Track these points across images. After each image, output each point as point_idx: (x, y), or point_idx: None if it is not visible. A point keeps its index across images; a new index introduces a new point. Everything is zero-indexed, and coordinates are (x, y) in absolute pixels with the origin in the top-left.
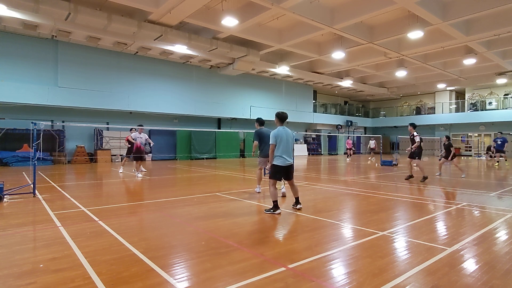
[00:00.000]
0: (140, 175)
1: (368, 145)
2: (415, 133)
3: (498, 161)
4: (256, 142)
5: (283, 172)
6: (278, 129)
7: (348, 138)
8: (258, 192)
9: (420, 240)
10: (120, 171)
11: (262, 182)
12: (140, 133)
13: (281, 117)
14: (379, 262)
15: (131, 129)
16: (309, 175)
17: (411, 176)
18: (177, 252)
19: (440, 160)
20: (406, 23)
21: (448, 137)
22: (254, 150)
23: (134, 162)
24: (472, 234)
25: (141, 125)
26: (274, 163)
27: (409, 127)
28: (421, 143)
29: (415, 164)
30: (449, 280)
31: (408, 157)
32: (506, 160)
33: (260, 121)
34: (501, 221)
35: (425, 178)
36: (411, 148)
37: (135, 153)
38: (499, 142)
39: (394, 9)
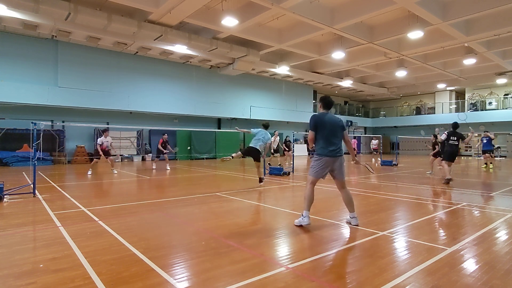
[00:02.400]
0: (115, 171)
1: (371, 145)
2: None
3: (486, 163)
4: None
5: None
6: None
7: (354, 138)
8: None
9: (420, 240)
10: (154, 167)
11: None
12: (106, 137)
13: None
14: (379, 262)
15: (163, 134)
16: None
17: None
18: (177, 252)
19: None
20: (406, 23)
21: (435, 135)
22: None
23: (94, 161)
24: (472, 234)
25: (107, 129)
26: None
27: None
28: (446, 142)
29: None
30: (449, 280)
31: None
32: (487, 163)
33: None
34: (501, 221)
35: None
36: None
37: (103, 153)
38: (485, 141)
39: (394, 9)
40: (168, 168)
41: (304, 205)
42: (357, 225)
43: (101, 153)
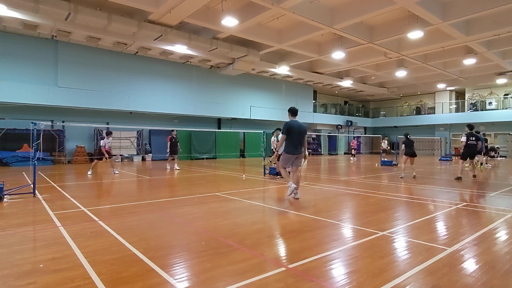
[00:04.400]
0: (116, 171)
1: (382, 145)
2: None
3: (481, 163)
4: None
5: None
6: None
7: (354, 139)
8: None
9: (420, 240)
10: (172, 168)
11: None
12: (108, 138)
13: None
14: (379, 262)
15: (171, 131)
16: (309, 175)
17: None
18: (177, 252)
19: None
20: (406, 23)
21: (405, 135)
22: None
23: (100, 161)
24: (472, 234)
25: (111, 132)
26: None
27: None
28: (467, 143)
29: (467, 165)
30: (449, 280)
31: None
32: (482, 163)
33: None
34: (501, 221)
35: (458, 178)
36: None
37: (102, 155)
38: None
39: (394, 9)
40: (178, 168)
41: (286, 180)
42: (297, 199)
43: (106, 155)
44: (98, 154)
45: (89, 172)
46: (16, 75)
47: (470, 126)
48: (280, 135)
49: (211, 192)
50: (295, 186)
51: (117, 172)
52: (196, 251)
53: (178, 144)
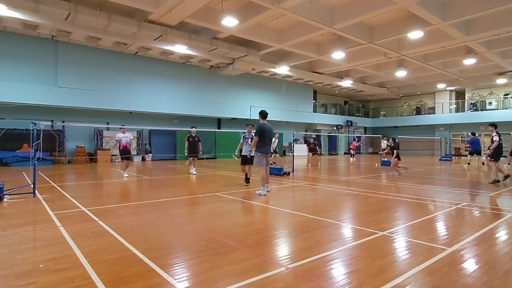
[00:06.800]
0: (126, 174)
1: (382, 145)
2: (494, 133)
3: (468, 162)
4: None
5: None
6: None
7: (354, 140)
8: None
9: (420, 240)
10: (193, 172)
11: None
12: (124, 133)
13: None
14: (379, 262)
15: (192, 127)
16: (309, 175)
17: (497, 181)
18: (177, 252)
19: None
20: (406, 23)
21: (392, 138)
22: None
23: (121, 162)
24: (472, 234)
25: (123, 125)
26: None
27: (490, 128)
28: (500, 144)
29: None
30: (449, 280)
31: (490, 160)
32: (469, 162)
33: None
34: (501, 221)
35: (495, 181)
36: (489, 149)
37: (122, 153)
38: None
39: (394, 9)
40: (195, 173)
41: (261, 183)
42: (268, 191)
43: (130, 147)
44: (122, 153)
45: (125, 175)
46: (16, 75)
47: (495, 125)
48: (252, 134)
49: (211, 192)
50: (268, 190)
51: (127, 176)
52: (196, 251)
53: (200, 144)
